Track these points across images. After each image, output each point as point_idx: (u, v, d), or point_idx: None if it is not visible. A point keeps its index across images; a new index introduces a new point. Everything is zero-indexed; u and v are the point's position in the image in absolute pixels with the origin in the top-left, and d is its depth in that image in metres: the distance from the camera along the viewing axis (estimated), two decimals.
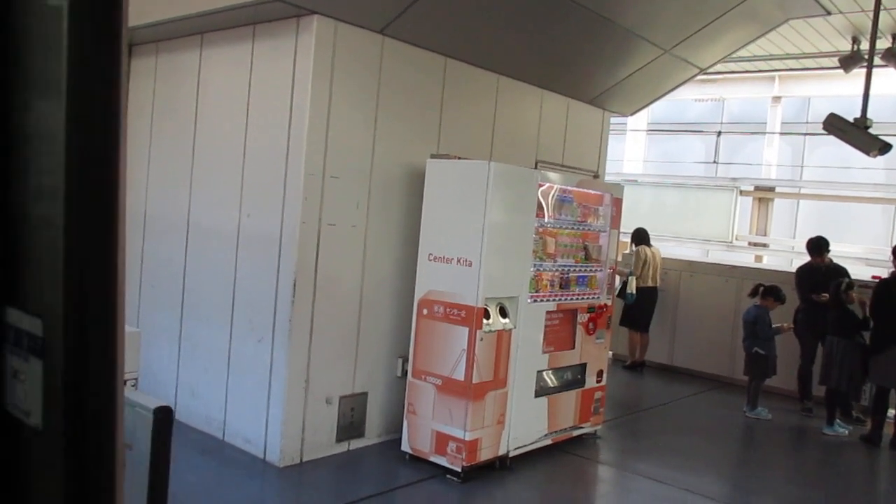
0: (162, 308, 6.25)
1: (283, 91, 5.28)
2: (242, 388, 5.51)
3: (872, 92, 7.67)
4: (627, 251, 9.64)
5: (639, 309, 9.40)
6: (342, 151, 5.36)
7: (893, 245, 7.41)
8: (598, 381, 6.41)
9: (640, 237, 9.66)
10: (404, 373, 5.64)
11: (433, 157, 5.63)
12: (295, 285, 5.13)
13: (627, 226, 8.91)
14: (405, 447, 5.48)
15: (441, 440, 5.25)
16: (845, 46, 8.86)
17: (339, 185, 5.36)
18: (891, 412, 7.12)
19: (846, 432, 7.26)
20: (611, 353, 8.36)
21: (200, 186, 6.01)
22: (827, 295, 7.44)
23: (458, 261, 5.25)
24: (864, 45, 8.00)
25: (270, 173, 5.36)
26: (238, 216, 5.60)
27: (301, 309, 5.17)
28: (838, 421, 7.33)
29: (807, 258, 8.27)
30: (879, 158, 8.49)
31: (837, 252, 8.58)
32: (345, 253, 5.47)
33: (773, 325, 7.69)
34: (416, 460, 5.39)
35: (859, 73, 7.87)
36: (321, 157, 5.22)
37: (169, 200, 6.30)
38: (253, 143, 5.55)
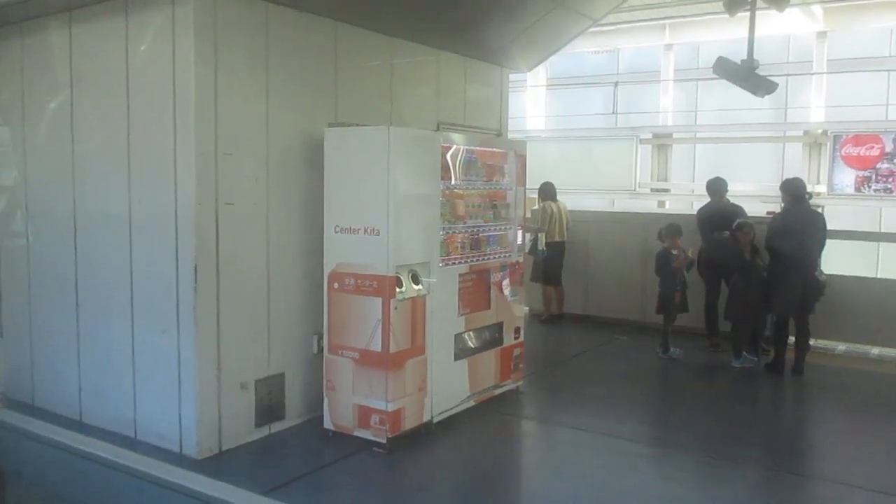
0: (55, 307, 5.89)
1: (164, 67, 4.97)
2: (151, 383, 5.27)
3: (757, 34, 7.92)
4: (536, 207, 9.73)
5: (549, 264, 9.52)
6: (234, 126, 5.11)
7: (782, 181, 7.72)
8: (515, 338, 6.45)
9: (547, 193, 9.74)
10: (320, 349, 5.51)
11: (331, 125, 5.45)
12: (196, 270, 4.90)
13: (535, 181, 8.98)
14: (328, 424, 5.38)
15: (363, 413, 5.18)
16: None
17: (234, 161, 5.12)
18: (791, 339, 7.48)
19: (752, 364, 7.60)
20: (526, 308, 8.46)
21: (84, 175, 5.64)
22: (728, 232, 7.71)
23: (366, 230, 5.13)
24: None
25: (159, 156, 5.07)
26: (128, 203, 5.29)
27: (205, 294, 4.95)
28: (745, 353, 7.65)
29: (707, 200, 8.54)
30: (766, 99, 8.82)
31: (734, 191, 8.89)
32: (247, 232, 5.25)
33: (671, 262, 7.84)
34: (340, 436, 5.31)
35: (744, 16, 8.08)
36: (212, 134, 4.96)
37: (51, 194, 5.91)
38: (137, 124, 5.23)
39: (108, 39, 5.32)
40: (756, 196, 13.14)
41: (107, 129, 5.43)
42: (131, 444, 5.29)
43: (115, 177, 5.34)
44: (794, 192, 7.36)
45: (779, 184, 7.80)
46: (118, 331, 5.41)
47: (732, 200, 8.51)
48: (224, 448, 5.13)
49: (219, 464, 4.96)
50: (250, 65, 5.24)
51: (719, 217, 8.10)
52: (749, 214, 8.24)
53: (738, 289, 7.56)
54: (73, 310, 5.74)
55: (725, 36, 14.63)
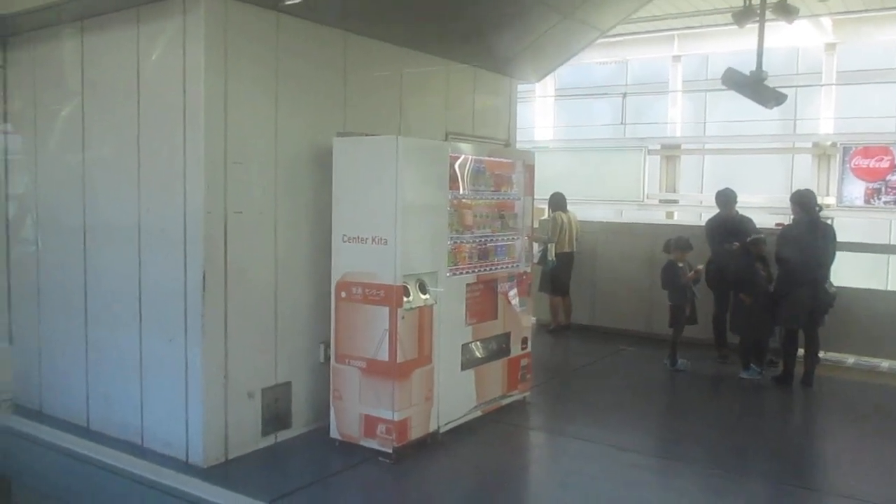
0: (64, 315, 5.92)
1: (175, 76, 5.01)
2: (158, 391, 5.27)
3: (766, 46, 7.91)
4: (545, 217, 9.72)
5: (557, 274, 9.50)
6: (244, 135, 5.14)
7: (791, 193, 7.69)
8: (523, 349, 6.44)
9: (557, 203, 9.73)
10: (327, 358, 5.51)
11: (339, 135, 5.47)
12: (204, 279, 4.91)
13: (542, 192, 8.97)
14: (334, 434, 5.37)
15: (370, 423, 5.17)
16: (738, 2, 9.07)
17: (242, 170, 5.15)
18: (799, 351, 7.43)
19: (760, 376, 7.55)
20: (534, 318, 8.45)
21: (94, 183, 5.68)
22: (738, 244, 7.68)
23: (373, 240, 5.14)
24: (756, 0, 8.22)
25: (168, 164, 5.09)
26: (137, 212, 5.32)
27: (213, 303, 4.96)
28: (753, 365, 7.60)
29: (716, 211, 8.51)
30: (775, 110, 8.81)
31: (743, 203, 8.86)
32: (255, 241, 5.27)
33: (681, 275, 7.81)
34: (347, 446, 5.30)
35: (753, 28, 8.08)
36: (221, 143, 4.99)
37: (61, 201, 5.94)
38: (147, 133, 5.26)
39: (119, 48, 5.36)
40: (765, 208, 13.10)
41: (117, 138, 5.46)
42: (138, 451, 5.30)
43: (125, 185, 5.37)
44: (804, 203, 7.33)
45: (788, 195, 7.77)
46: (126, 338, 5.42)
47: (741, 212, 8.48)
48: (230, 456, 5.13)
49: (225, 472, 4.96)
50: (260, 74, 5.26)
51: (728, 228, 8.07)
52: (758, 226, 8.21)
53: (744, 300, 7.52)
54: (82, 317, 5.76)
55: (734, 47, 14.60)
